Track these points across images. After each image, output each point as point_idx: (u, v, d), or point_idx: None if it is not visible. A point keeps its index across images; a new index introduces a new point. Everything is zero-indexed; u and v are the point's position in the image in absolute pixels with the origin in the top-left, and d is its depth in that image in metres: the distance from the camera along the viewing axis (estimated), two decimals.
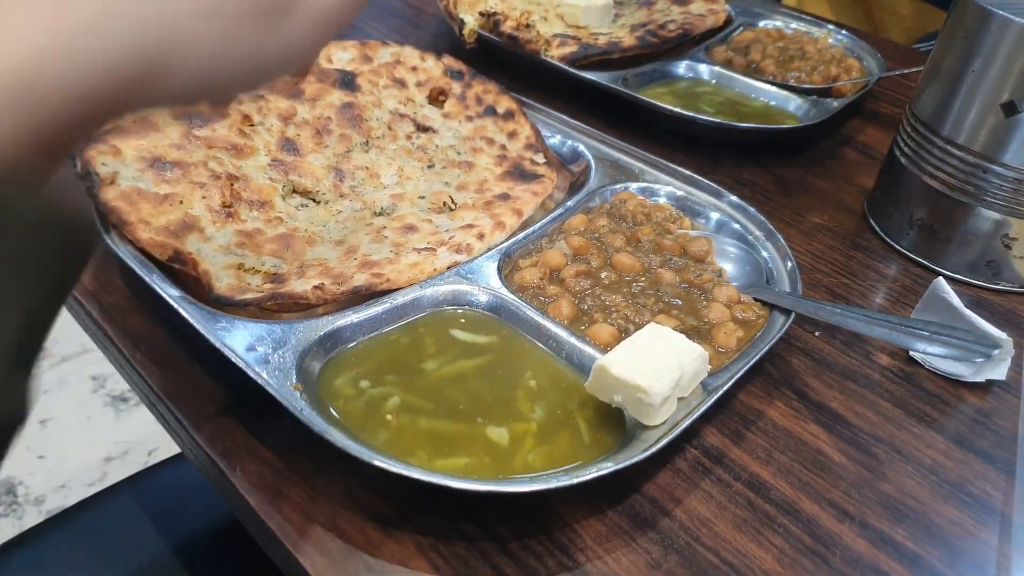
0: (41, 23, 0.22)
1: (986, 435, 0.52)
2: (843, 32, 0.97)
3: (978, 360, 0.50)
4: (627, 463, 0.41)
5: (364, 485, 0.43)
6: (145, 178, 0.58)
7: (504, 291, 0.54)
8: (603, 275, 0.56)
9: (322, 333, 0.48)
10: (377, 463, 0.39)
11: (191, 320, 0.47)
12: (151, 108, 0.31)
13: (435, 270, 0.55)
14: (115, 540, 0.82)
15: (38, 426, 1.65)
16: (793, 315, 0.53)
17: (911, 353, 0.56)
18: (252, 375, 0.44)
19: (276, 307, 0.51)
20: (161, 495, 0.86)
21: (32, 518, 1.48)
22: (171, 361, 0.50)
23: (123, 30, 0.24)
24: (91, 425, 1.68)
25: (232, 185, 0.60)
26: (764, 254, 0.60)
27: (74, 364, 1.78)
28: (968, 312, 0.54)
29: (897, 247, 0.69)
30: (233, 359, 0.45)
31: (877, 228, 0.71)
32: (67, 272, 0.24)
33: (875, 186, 0.74)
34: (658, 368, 0.44)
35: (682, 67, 0.88)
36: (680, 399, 0.46)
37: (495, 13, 0.87)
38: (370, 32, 1.00)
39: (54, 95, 0.22)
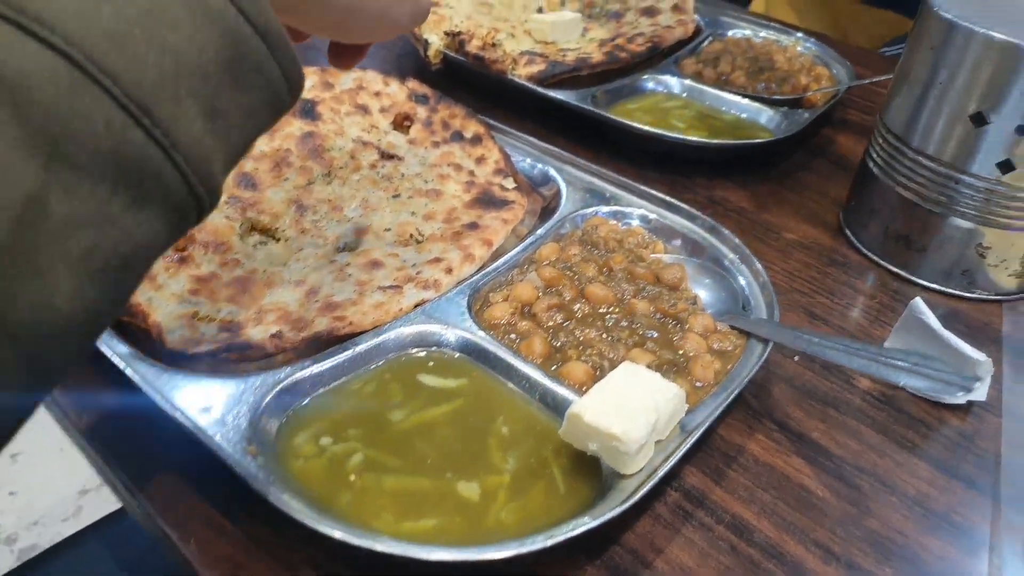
0: None
1: (968, 459, 0.51)
2: (811, 40, 0.96)
3: (960, 394, 0.48)
4: (604, 519, 0.39)
5: (330, 554, 0.41)
6: None
7: (474, 329, 0.52)
8: (576, 308, 0.54)
9: (279, 387, 0.46)
10: (338, 536, 0.37)
11: (140, 382, 0.45)
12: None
13: (401, 310, 0.53)
14: None
15: (8, 461, 1.60)
16: (771, 344, 0.52)
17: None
18: (205, 440, 0.42)
19: (235, 357, 0.49)
20: (132, 540, 0.83)
21: (5, 558, 1.43)
22: (120, 423, 0.48)
23: None
24: (64, 458, 1.63)
25: None
26: (740, 280, 0.58)
27: None
28: (946, 333, 0.53)
29: (873, 258, 0.68)
30: (185, 423, 0.42)
31: (853, 239, 0.70)
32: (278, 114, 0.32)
33: (849, 197, 0.73)
34: (633, 413, 0.42)
35: (652, 82, 0.87)
36: (657, 442, 0.45)
37: (460, 32, 0.85)
38: None
39: None
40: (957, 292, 0.65)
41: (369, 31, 0.42)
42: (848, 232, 0.71)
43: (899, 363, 0.46)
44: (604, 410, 0.42)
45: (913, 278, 0.66)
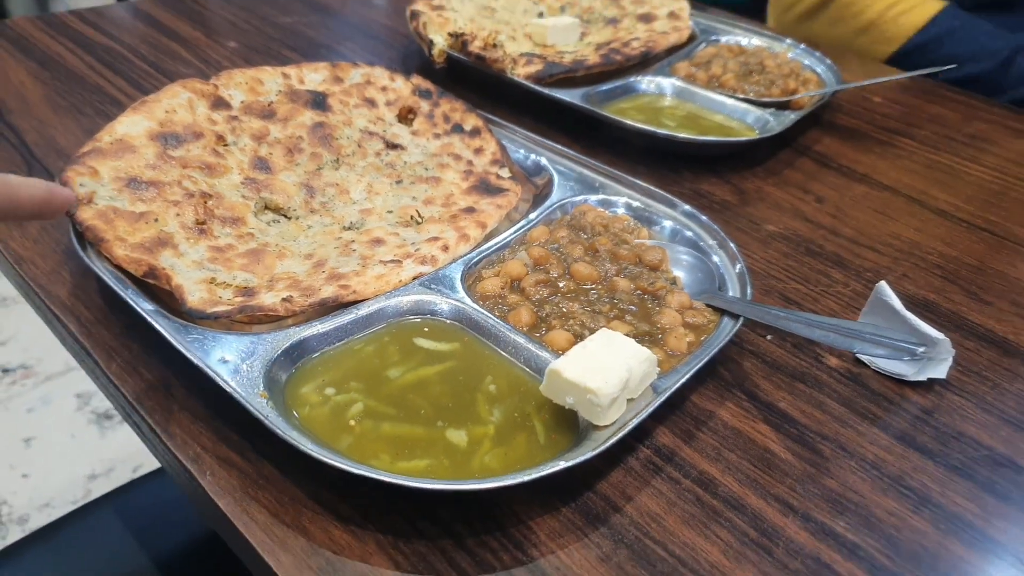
0: None
1: (927, 431, 0.55)
2: (801, 46, 1.01)
3: (910, 357, 0.52)
4: (576, 461, 0.44)
5: (328, 487, 0.45)
6: (121, 197, 0.60)
7: (467, 300, 0.56)
8: (561, 284, 0.59)
9: (289, 343, 0.50)
10: (338, 465, 0.42)
11: (164, 332, 0.49)
12: None
13: (400, 281, 0.57)
14: (96, 555, 0.83)
15: (22, 444, 1.66)
16: (741, 319, 0.56)
17: (857, 355, 0.59)
18: (221, 383, 0.46)
19: (247, 319, 0.54)
20: (142, 510, 0.87)
21: (16, 538, 1.47)
22: (145, 372, 0.52)
23: None
24: (75, 443, 1.69)
25: (205, 203, 0.62)
26: (715, 259, 0.63)
27: (58, 382, 1.79)
28: (907, 313, 0.57)
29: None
30: (204, 369, 0.47)
31: None
32: None
33: None
34: (607, 371, 0.47)
35: (645, 82, 0.91)
36: (630, 400, 0.49)
37: (463, 33, 0.90)
38: (344, 53, 1.02)
39: None
40: None
41: None
42: None
43: (858, 332, 0.50)
44: (581, 367, 0.47)
45: None
